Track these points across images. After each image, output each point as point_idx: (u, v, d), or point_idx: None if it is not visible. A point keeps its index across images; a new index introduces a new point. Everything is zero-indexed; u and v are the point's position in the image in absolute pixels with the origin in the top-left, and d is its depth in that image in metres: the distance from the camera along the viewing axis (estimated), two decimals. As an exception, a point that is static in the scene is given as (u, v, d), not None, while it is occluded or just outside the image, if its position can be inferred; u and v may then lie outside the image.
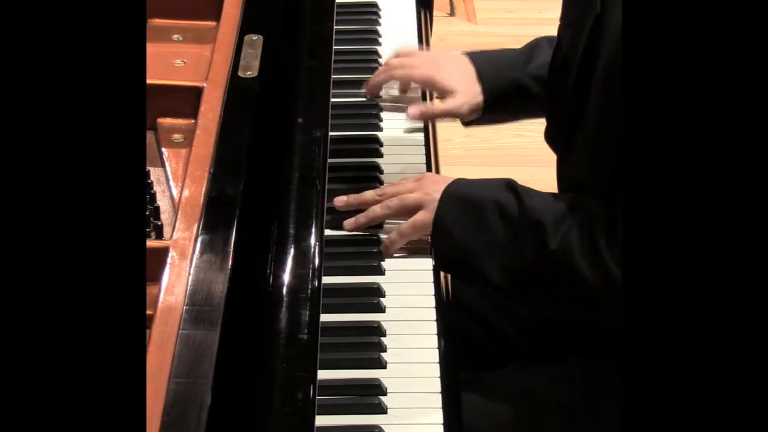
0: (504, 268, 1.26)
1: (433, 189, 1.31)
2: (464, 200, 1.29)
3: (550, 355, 1.42)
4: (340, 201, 1.36)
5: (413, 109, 1.51)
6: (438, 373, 1.20)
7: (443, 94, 1.52)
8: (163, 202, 1.27)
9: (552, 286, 1.26)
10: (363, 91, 1.58)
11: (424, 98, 1.58)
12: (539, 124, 1.49)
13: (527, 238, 1.25)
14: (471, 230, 1.27)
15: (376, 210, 1.34)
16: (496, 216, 1.26)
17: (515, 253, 1.25)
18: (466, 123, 1.55)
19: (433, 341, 1.23)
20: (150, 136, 1.38)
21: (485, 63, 1.51)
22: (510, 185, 1.29)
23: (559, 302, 1.28)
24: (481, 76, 1.50)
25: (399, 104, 1.57)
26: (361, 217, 1.34)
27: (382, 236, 1.34)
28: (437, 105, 1.53)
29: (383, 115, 1.55)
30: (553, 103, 1.37)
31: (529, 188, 1.30)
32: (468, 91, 1.50)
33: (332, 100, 1.46)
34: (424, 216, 1.30)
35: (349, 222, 1.35)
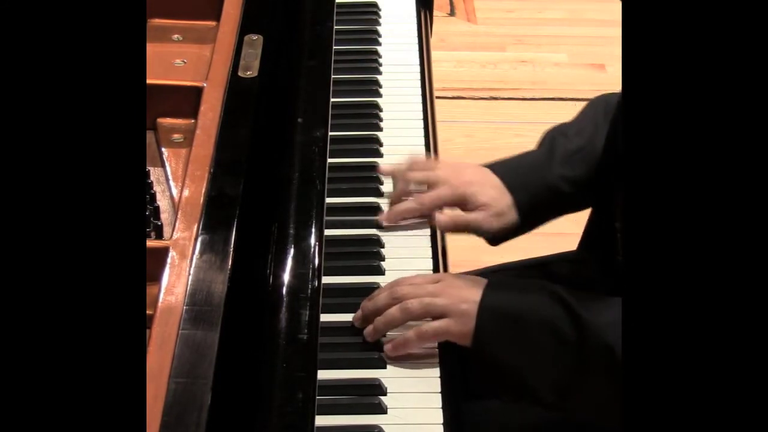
0: (560, 388, 1.17)
1: (462, 297, 1.20)
2: (507, 317, 1.19)
3: None
4: (356, 319, 1.24)
5: (443, 217, 1.36)
6: (438, 373, 1.20)
7: (474, 209, 1.37)
8: (163, 202, 1.28)
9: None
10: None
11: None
12: (540, 124, 1.49)
13: (593, 363, 1.15)
14: (518, 351, 1.18)
15: (395, 315, 1.21)
16: (549, 339, 1.16)
17: (577, 377, 1.16)
18: (494, 241, 1.40)
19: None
20: (150, 136, 1.39)
21: (510, 173, 1.38)
22: (557, 297, 1.18)
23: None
24: (511, 188, 1.37)
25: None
26: (380, 324, 1.22)
27: (394, 333, 1.22)
28: (466, 215, 1.37)
29: (383, 114, 1.55)
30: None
31: (578, 296, 1.18)
32: (498, 204, 1.36)
33: (332, 100, 1.46)
34: (454, 327, 1.20)
35: (368, 332, 1.22)
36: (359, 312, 1.24)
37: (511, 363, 1.19)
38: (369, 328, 1.23)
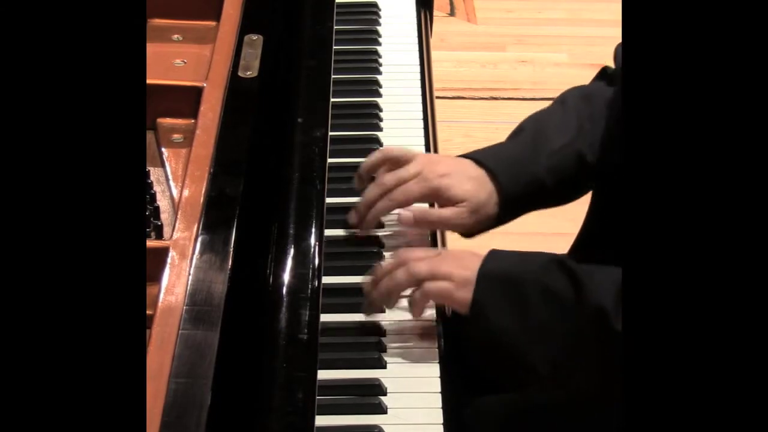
0: (553, 359, 1.16)
1: (465, 265, 1.20)
2: (504, 280, 1.19)
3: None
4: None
5: (405, 213, 1.32)
6: (438, 374, 1.20)
7: (449, 203, 1.33)
8: (163, 202, 1.28)
9: (610, 368, 1.09)
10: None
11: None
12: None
13: (589, 327, 1.14)
14: (515, 314, 1.17)
15: (401, 277, 1.22)
16: (546, 300, 1.16)
17: (572, 342, 1.16)
18: (468, 235, 1.37)
19: (433, 341, 1.23)
20: (150, 136, 1.39)
21: (496, 163, 1.34)
22: (557, 262, 1.18)
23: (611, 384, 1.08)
24: (498, 179, 1.33)
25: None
26: (384, 287, 1.23)
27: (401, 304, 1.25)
28: (436, 212, 1.34)
29: (383, 114, 1.55)
30: None
31: (580, 264, 1.17)
32: (475, 198, 1.32)
33: (332, 100, 1.46)
34: (455, 292, 1.20)
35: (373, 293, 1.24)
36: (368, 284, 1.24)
37: (507, 329, 1.18)
38: (375, 291, 1.23)
